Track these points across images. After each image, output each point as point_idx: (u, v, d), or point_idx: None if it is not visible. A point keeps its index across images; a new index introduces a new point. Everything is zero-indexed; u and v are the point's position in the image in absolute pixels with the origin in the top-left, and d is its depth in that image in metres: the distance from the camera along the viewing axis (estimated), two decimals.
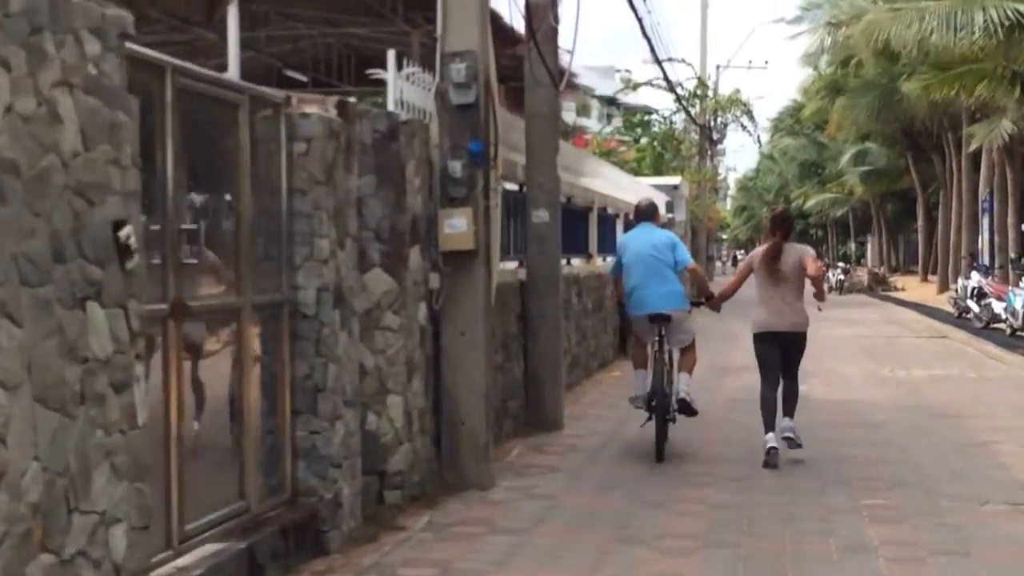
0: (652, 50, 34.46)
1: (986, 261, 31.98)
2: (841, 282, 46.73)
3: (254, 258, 6.11)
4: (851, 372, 16.75)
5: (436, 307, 8.33)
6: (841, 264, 51.09)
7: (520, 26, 10.71)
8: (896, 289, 47.76)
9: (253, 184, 6.04)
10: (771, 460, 9.26)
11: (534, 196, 11.14)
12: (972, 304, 25.50)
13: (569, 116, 58.52)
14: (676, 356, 10.06)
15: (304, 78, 15.42)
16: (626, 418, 11.61)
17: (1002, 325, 23.85)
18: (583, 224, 16.05)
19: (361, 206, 7.44)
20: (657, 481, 8.97)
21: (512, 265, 11.62)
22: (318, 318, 6.53)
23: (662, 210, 27.60)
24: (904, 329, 26.24)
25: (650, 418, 9.64)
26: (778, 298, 9.50)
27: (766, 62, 55.75)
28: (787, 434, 9.41)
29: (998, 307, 24.12)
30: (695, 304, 10.66)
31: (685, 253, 10.10)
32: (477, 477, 8.38)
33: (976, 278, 27.41)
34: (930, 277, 49.90)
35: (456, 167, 8.21)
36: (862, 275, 50.48)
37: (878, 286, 48.36)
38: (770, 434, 9.40)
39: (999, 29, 20.00)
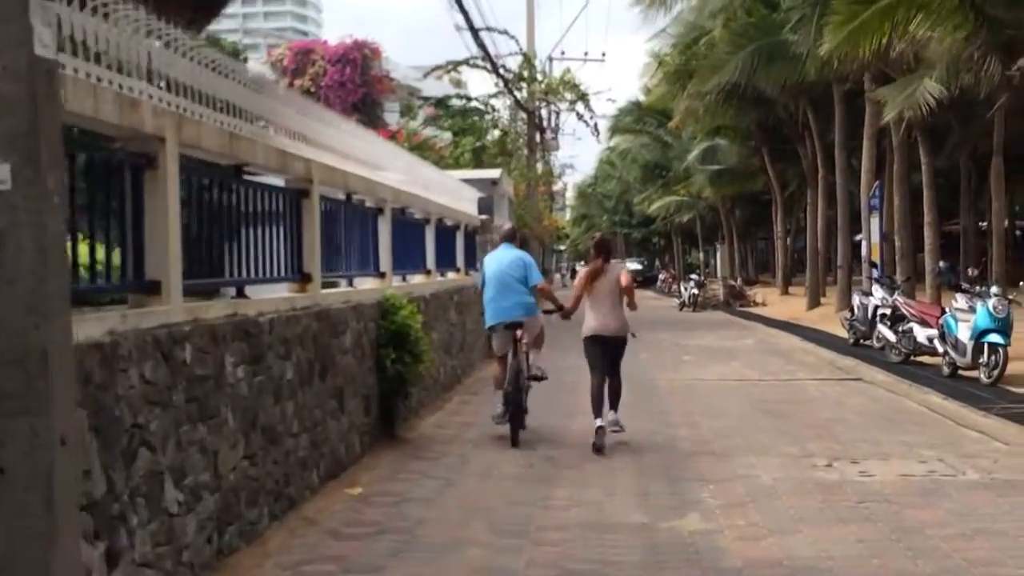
0: (465, 15, 27.64)
1: (875, 273, 25.77)
2: (695, 297, 40.46)
3: None
4: (766, 471, 9.77)
5: None
6: (694, 276, 44.86)
7: None
8: (756, 304, 41.74)
9: None
10: (599, 441, 10.79)
11: None
12: (885, 331, 19.05)
13: (392, 118, 51.33)
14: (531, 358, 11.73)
15: None
16: None
17: (932, 359, 17.52)
18: (286, 220, 8.72)
19: None
20: None
21: None
22: None
23: (473, 211, 20.61)
24: (795, 363, 19.68)
25: (506, 413, 11.19)
26: (602, 308, 11.25)
27: (603, 54, 49.35)
28: (614, 428, 11.07)
29: (922, 335, 17.72)
30: (547, 312, 12.11)
31: (536, 273, 11.78)
32: None
33: (880, 295, 21.05)
34: (791, 289, 44.21)
35: None
36: (717, 288, 44.35)
37: (735, 301, 42.24)
38: (598, 419, 10.98)
39: None
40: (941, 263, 22.45)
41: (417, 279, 14.49)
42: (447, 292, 15.95)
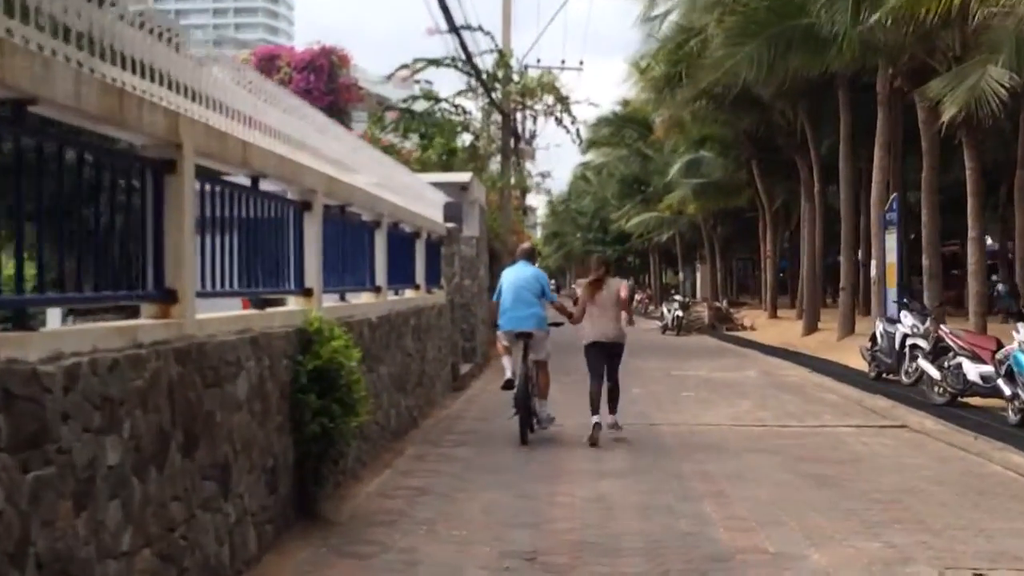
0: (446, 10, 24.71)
1: (892, 296, 22.80)
2: (679, 319, 37.42)
3: None
4: None
5: None
6: (677, 298, 41.76)
7: None
8: (743, 328, 38.79)
9: None
10: (595, 436, 12.08)
11: None
12: (927, 366, 15.96)
13: (360, 128, 48.30)
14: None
15: None
16: None
17: (984, 401, 14.59)
18: (137, 205, 5.58)
19: None
20: None
21: None
22: None
23: (438, 216, 17.49)
24: (815, 403, 16.61)
25: (516, 412, 12.26)
26: (601, 318, 12.53)
27: (581, 62, 46.41)
28: (612, 428, 12.41)
29: (974, 372, 14.74)
30: (554, 324, 13.14)
31: (551, 291, 13.09)
32: None
33: (910, 322, 18.13)
34: (780, 312, 41.27)
35: None
36: (702, 310, 41.34)
37: (721, 324, 39.30)
38: (595, 416, 12.24)
39: None
40: (1000, 285, 19.44)
41: (362, 298, 11.34)
42: (402, 315, 12.82)
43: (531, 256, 13.59)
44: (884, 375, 18.98)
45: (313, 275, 8.84)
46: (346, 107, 46.68)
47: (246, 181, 7.51)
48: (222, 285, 6.83)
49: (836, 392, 18.13)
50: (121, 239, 5.46)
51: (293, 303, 8.64)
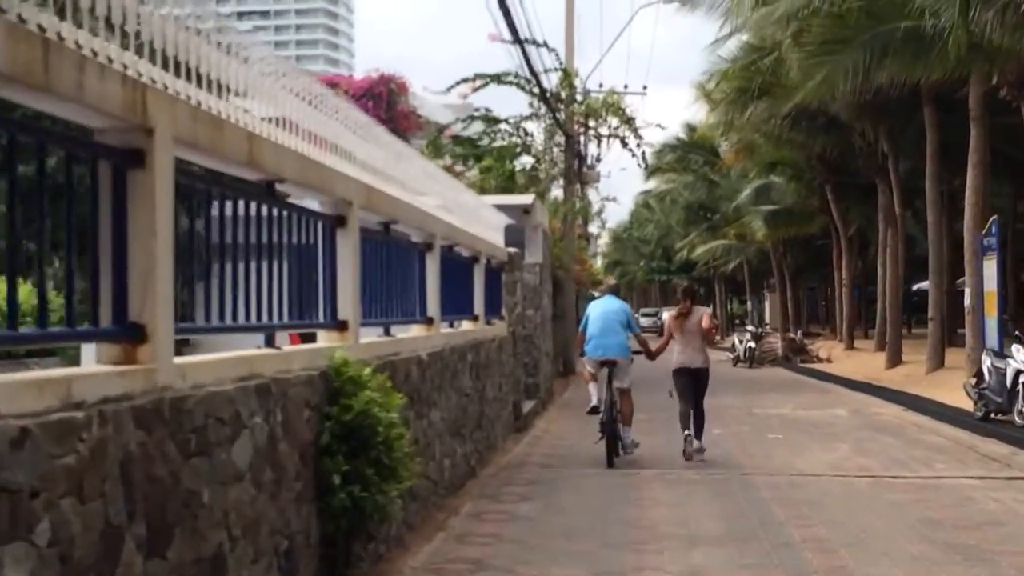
0: (507, 17, 23.30)
1: (990, 327, 20.85)
2: (752, 351, 35.43)
3: None
4: None
5: None
6: (750, 328, 39.70)
7: None
8: (819, 359, 36.79)
9: None
10: (688, 448, 12.97)
11: None
12: None
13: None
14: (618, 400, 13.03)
15: None
16: None
17: None
18: (93, 214, 4.04)
19: None
20: None
21: None
22: None
23: (499, 240, 15.93)
24: (920, 447, 14.74)
25: (603, 436, 12.88)
26: (687, 345, 13.23)
27: (644, 87, 44.67)
28: (698, 453, 12.99)
29: None
30: (636, 353, 13.63)
31: (634, 323, 14.08)
32: None
33: (1023, 357, 16.22)
34: (857, 343, 39.26)
35: None
36: (775, 342, 39.33)
37: (796, 356, 37.30)
38: (686, 431, 13.13)
39: None
40: None
41: (411, 332, 9.78)
42: (458, 350, 11.24)
43: (616, 291, 15.14)
44: (993, 415, 17.10)
45: (348, 305, 7.28)
46: (405, 134, 45.58)
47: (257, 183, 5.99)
48: (221, 319, 5.28)
49: (940, 434, 16.25)
50: (62, 257, 3.94)
51: (325, 338, 7.11)
